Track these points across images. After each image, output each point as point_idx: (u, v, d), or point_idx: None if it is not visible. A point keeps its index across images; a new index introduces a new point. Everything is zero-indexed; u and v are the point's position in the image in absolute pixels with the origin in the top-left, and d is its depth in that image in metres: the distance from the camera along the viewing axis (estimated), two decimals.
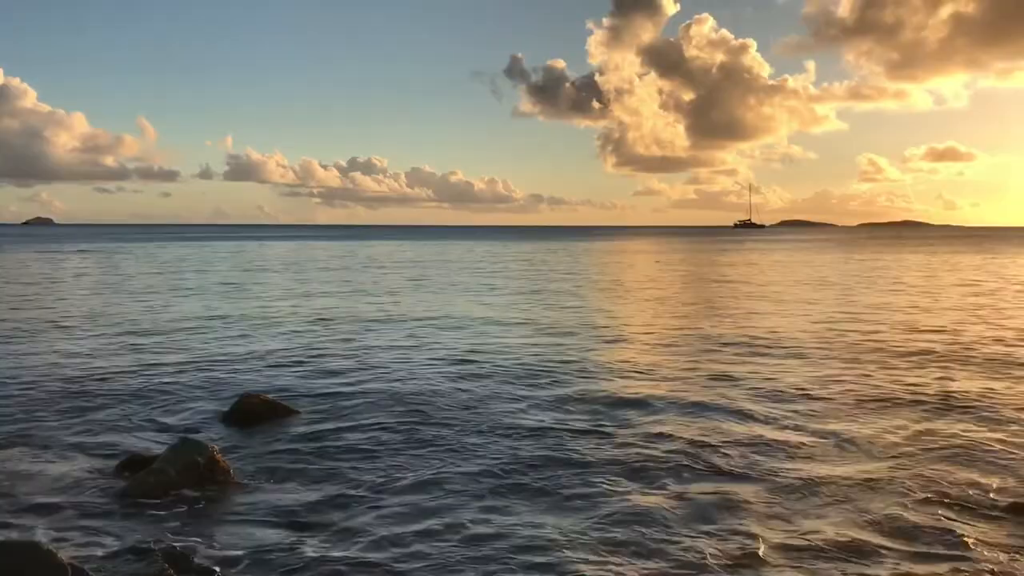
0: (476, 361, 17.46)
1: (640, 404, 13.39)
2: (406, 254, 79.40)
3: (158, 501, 8.93)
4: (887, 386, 14.62)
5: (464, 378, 15.72)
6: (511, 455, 10.52)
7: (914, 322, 24.00)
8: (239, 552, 7.66)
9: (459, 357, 17.91)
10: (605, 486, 9.33)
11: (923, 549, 7.60)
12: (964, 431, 11.56)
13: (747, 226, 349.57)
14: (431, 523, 8.28)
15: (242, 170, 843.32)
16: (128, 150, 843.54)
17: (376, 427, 11.99)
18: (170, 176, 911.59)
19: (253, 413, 12.69)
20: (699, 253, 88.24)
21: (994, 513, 8.43)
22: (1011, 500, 8.70)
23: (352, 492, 9.25)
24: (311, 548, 7.74)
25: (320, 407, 13.24)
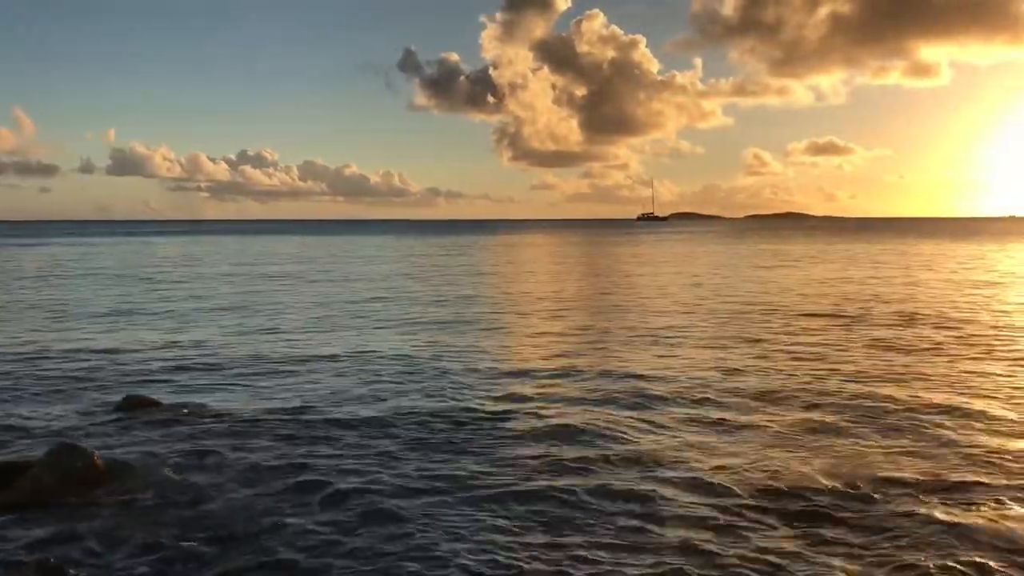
0: (363, 356, 17.27)
1: (528, 396, 13.49)
2: (297, 250, 77.84)
3: (33, 511, 8.45)
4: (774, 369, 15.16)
5: (351, 374, 15.56)
6: (384, 448, 10.43)
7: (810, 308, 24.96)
8: (119, 561, 7.33)
9: (350, 353, 17.69)
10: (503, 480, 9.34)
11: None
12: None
13: (650, 219, 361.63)
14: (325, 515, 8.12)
15: (126, 164, 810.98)
16: (3, 143, 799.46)
17: (266, 427, 11.71)
18: (49, 171, 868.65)
19: (136, 415, 12.25)
20: (617, 245, 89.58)
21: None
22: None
23: (235, 493, 9.00)
24: (195, 554, 7.46)
25: (207, 406, 12.82)
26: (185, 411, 12.48)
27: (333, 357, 17.24)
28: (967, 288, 32.41)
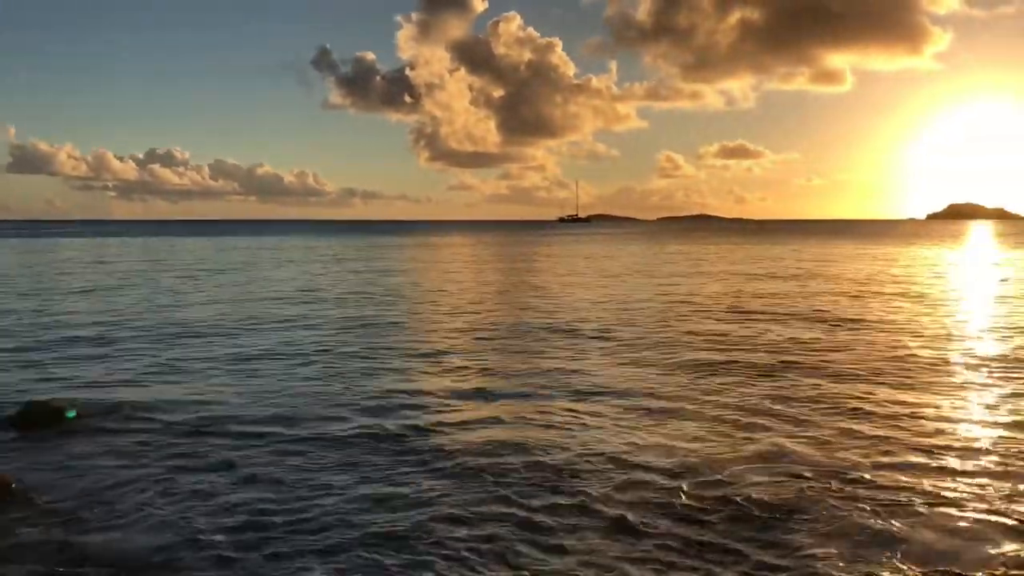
0: (273, 359, 16.52)
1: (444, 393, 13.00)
2: (205, 251, 75.58)
3: None
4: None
5: (257, 376, 14.85)
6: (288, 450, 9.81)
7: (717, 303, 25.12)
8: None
9: (258, 353, 16.92)
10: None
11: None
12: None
13: (574, 220, 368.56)
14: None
15: (28, 162, 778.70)
16: None
17: (163, 430, 11.01)
18: None
19: (37, 421, 11.45)
20: (544, 245, 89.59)
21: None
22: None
23: (139, 498, 8.29)
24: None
25: (111, 412, 11.93)
26: (101, 419, 11.64)
27: (237, 358, 16.46)
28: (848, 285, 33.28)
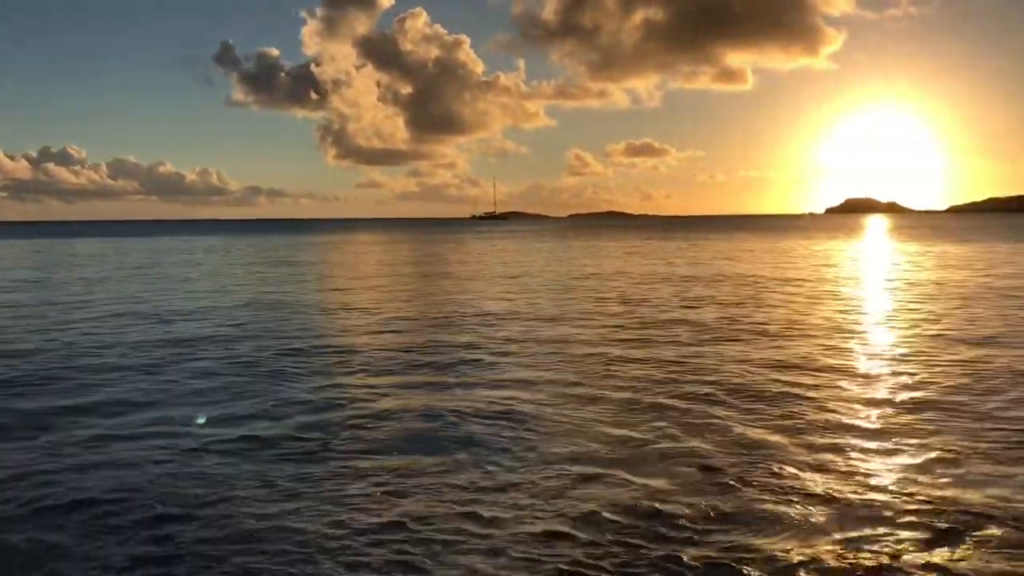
0: (174, 354, 16.13)
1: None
2: (103, 253, 72.88)
3: None
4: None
5: (159, 371, 14.50)
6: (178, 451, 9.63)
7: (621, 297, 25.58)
8: None
9: (165, 340, 16.47)
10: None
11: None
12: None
13: (491, 217, 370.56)
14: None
15: None
16: None
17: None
18: None
19: None
20: (470, 243, 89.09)
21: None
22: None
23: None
24: None
25: None
26: None
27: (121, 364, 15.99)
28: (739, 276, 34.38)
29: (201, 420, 11.70)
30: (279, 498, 8.45)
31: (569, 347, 17.47)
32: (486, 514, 7.91)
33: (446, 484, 8.78)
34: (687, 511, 7.93)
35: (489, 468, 9.32)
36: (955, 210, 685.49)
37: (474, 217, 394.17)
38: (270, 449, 10.20)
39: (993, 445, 9.91)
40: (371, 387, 13.71)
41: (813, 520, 7.67)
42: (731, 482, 8.73)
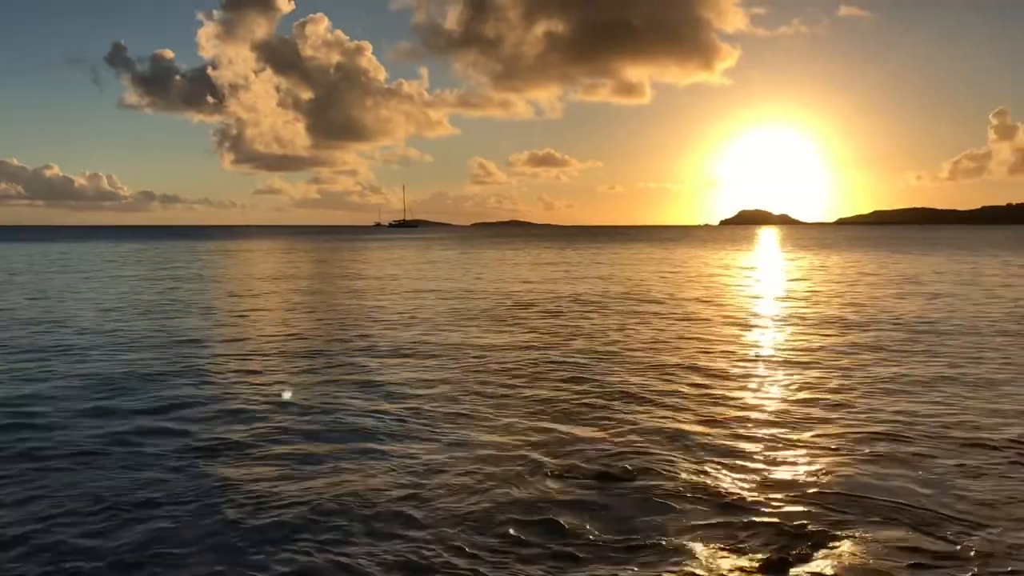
0: (55, 372, 15.35)
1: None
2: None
3: None
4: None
5: (39, 384, 13.76)
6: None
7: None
8: None
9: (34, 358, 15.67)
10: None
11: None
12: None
13: (403, 225, 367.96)
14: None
15: None
16: None
17: None
18: None
19: None
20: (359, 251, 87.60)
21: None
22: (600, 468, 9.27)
23: None
24: None
25: None
26: None
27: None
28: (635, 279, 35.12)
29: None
30: (184, 493, 8.11)
31: (462, 351, 17.40)
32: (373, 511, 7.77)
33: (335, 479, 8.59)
34: (584, 508, 7.96)
35: (377, 473, 9.16)
36: (843, 222, 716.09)
37: (378, 225, 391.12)
38: (162, 447, 9.80)
39: (877, 441, 10.29)
40: (242, 391, 13.35)
41: (702, 515, 7.79)
42: (622, 482, 8.80)
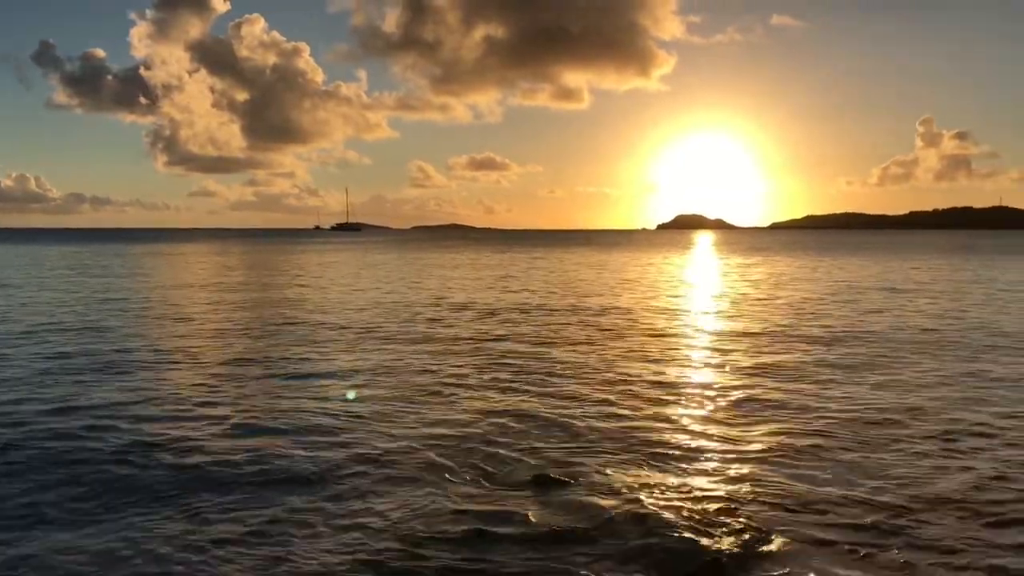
0: None
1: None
2: None
3: None
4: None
5: None
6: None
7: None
8: None
9: None
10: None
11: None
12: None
13: (346, 228, 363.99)
14: None
15: None
16: None
17: None
18: None
19: None
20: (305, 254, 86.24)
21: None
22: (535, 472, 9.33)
23: None
24: None
25: None
26: None
27: None
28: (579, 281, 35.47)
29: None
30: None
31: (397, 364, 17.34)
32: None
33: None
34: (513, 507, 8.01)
35: (289, 479, 9.09)
36: (777, 227, 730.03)
37: (318, 228, 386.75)
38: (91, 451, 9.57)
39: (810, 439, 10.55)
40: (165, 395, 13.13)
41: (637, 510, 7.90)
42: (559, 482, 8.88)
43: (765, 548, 7.08)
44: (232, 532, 7.48)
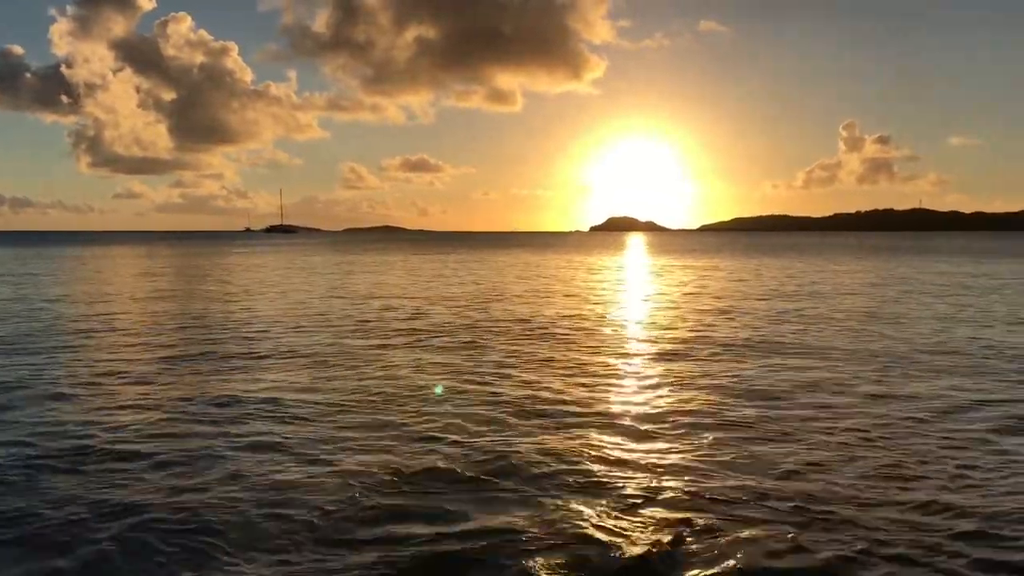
0: None
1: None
2: None
3: None
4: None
5: None
6: None
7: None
8: None
9: None
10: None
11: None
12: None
13: (281, 230, 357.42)
14: None
15: None
16: None
17: None
18: None
19: None
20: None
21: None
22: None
23: None
24: None
25: None
26: None
27: None
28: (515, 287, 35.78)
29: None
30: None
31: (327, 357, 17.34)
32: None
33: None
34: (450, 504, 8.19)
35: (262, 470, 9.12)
36: (706, 228, 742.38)
37: (249, 230, 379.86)
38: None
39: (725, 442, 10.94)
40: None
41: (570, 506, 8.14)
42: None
43: (692, 547, 7.37)
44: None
